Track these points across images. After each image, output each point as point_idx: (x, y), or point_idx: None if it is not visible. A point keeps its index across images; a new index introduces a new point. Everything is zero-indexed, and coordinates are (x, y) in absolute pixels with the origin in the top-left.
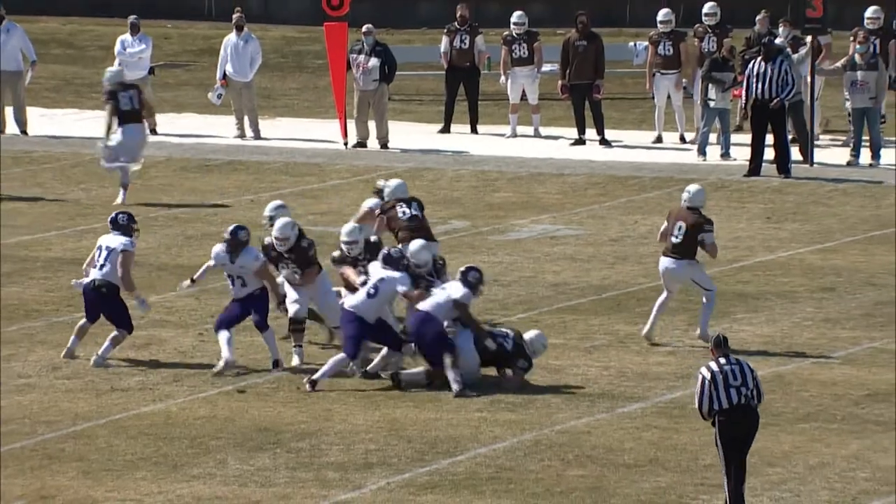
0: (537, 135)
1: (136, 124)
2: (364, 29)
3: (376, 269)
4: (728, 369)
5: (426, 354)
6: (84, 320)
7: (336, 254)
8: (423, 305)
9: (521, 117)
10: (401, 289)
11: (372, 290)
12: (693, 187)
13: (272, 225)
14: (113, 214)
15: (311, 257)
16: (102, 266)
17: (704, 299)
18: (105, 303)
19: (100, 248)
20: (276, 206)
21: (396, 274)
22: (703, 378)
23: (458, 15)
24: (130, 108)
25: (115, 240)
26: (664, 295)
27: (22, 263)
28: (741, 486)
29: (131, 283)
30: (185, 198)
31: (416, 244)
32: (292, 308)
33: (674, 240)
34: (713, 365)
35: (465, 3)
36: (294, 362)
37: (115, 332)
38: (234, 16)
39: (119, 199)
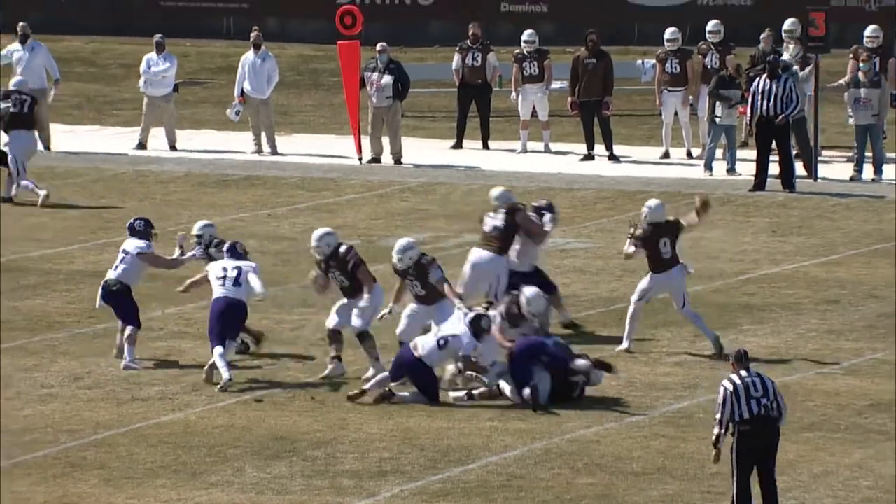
0: (548, 150)
1: (26, 130)
2: (378, 47)
3: (454, 321)
4: (749, 381)
5: (518, 374)
6: (121, 322)
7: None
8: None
9: (531, 133)
10: (462, 354)
11: (442, 342)
12: (653, 202)
13: (199, 243)
14: (130, 221)
15: (350, 264)
16: (117, 267)
17: (690, 317)
18: (116, 300)
19: (120, 250)
20: (204, 225)
21: (467, 337)
22: (726, 389)
23: (469, 33)
24: (19, 112)
25: (132, 243)
26: (635, 307)
27: (45, 276)
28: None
29: (170, 263)
30: (203, 212)
31: (530, 292)
32: (330, 320)
33: (665, 255)
34: (735, 377)
35: (477, 21)
36: (325, 372)
37: (127, 332)
38: (252, 34)
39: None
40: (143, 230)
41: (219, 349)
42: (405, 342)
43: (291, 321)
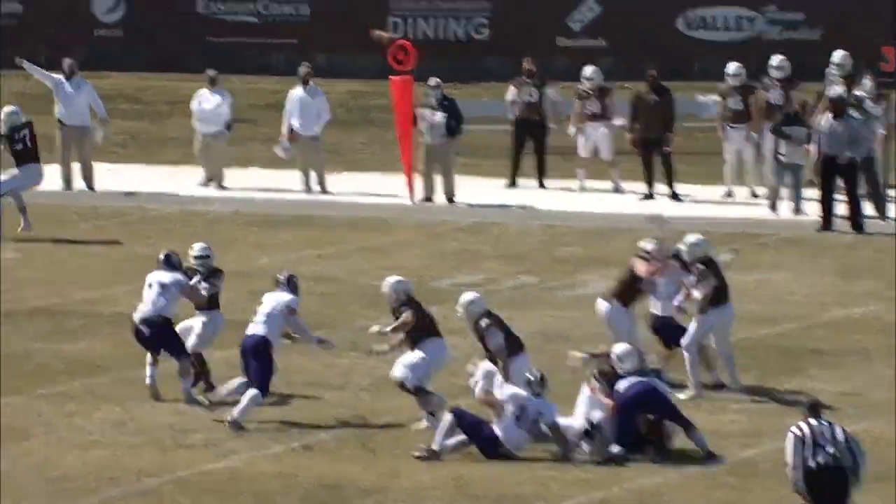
0: (619, 190)
1: (34, 164)
2: (431, 83)
3: (521, 392)
4: (818, 429)
5: (622, 424)
6: (150, 357)
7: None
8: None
9: (594, 172)
10: (552, 423)
11: (532, 427)
12: (693, 238)
13: (203, 267)
14: (165, 253)
15: (399, 317)
16: (156, 301)
17: (725, 355)
18: (158, 336)
19: (150, 284)
20: (205, 247)
21: (549, 405)
22: (794, 436)
23: (524, 68)
24: (23, 148)
25: (170, 276)
26: (694, 355)
27: (88, 319)
28: None
29: (204, 296)
30: (250, 252)
31: (619, 349)
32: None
33: (726, 281)
34: (803, 425)
35: (531, 56)
36: (422, 426)
37: (180, 366)
38: (302, 69)
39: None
40: (178, 263)
41: (234, 384)
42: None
43: (341, 365)
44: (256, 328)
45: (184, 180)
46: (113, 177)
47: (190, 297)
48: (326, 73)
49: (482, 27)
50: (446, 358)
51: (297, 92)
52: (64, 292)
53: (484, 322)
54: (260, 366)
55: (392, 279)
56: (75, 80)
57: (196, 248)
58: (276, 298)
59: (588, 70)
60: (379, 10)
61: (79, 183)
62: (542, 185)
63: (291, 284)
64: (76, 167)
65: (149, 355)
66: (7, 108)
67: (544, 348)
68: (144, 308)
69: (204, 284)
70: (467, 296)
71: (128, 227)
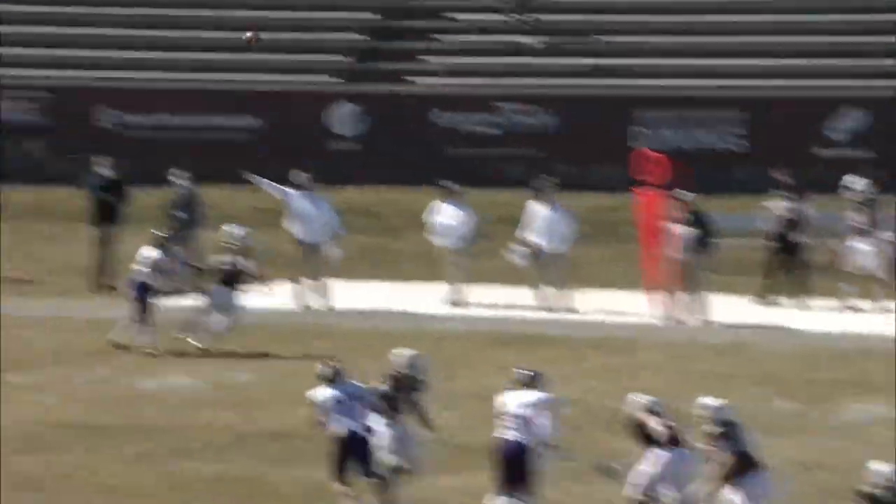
0: (884, 309)
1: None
2: (679, 196)
3: None
4: None
5: None
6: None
7: None
8: None
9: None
10: None
11: None
12: None
13: (411, 375)
14: (338, 367)
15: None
16: (350, 415)
17: None
18: (359, 450)
19: (340, 400)
20: (413, 354)
21: None
22: None
23: (777, 180)
24: (227, 273)
25: (358, 391)
26: None
27: (321, 442)
28: None
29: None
30: (485, 373)
31: (878, 466)
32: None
33: None
34: None
35: (786, 167)
36: None
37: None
38: (543, 182)
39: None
40: (343, 374)
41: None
42: None
43: (578, 493)
44: (512, 433)
45: (420, 296)
46: (347, 293)
47: (387, 406)
48: (571, 185)
49: (734, 137)
50: (690, 468)
51: (537, 206)
52: (298, 413)
53: (712, 430)
54: (525, 472)
55: (635, 398)
56: (312, 195)
57: (404, 356)
58: (525, 397)
59: (860, 182)
60: (624, 119)
61: (313, 300)
62: (800, 304)
63: (538, 381)
64: (310, 283)
65: (342, 487)
66: (235, 231)
67: (800, 478)
68: (347, 424)
69: (404, 395)
70: (713, 401)
71: (360, 345)
